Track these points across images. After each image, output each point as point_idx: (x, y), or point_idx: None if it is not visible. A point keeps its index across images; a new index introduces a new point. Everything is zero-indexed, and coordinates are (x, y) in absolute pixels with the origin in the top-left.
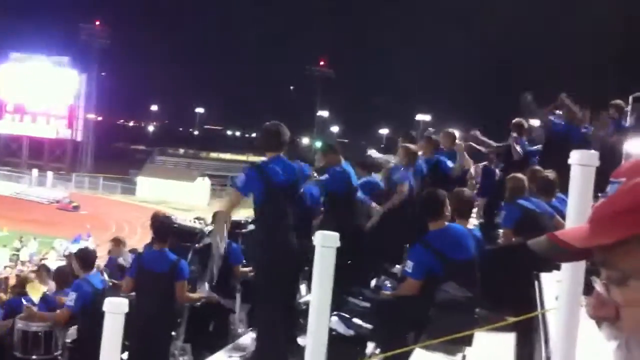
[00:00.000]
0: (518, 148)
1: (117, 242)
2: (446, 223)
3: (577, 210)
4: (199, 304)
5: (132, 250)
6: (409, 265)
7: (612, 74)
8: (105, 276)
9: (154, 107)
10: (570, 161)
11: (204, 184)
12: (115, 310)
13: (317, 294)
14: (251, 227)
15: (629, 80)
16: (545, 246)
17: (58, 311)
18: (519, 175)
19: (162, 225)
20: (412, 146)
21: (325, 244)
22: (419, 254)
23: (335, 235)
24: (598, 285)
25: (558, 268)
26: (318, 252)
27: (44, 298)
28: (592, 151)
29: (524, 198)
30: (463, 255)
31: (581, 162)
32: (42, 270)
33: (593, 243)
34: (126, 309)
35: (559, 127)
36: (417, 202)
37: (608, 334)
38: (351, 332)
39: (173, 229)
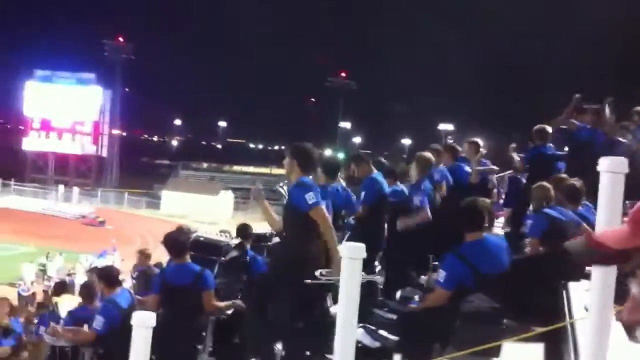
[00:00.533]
0: (515, 157)
1: (143, 254)
2: (483, 234)
3: (606, 218)
4: (224, 316)
5: (157, 264)
6: (441, 274)
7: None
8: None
9: (178, 122)
10: (599, 168)
11: (227, 197)
12: (143, 324)
13: (344, 306)
14: (276, 239)
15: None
16: (582, 248)
17: (85, 331)
18: (545, 183)
19: (174, 242)
20: (425, 154)
21: (352, 255)
22: (452, 264)
23: (362, 246)
24: (634, 287)
25: (586, 277)
26: (345, 263)
27: (70, 313)
28: (621, 158)
29: (551, 207)
30: (496, 269)
31: (610, 169)
32: (59, 287)
33: (630, 244)
34: (154, 323)
35: (585, 132)
36: (456, 211)
37: None
38: (377, 344)
39: (187, 242)
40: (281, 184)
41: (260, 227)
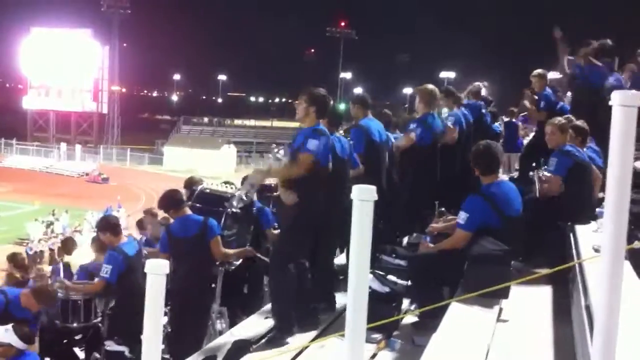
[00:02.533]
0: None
1: (150, 213)
2: (499, 178)
3: (619, 154)
4: (232, 267)
5: (165, 219)
6: (462, 216)
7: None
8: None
9: (177, 77)
10: (611, 102)
11: (229, 152)
12: (157, 271)
13: (356, 249)
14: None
15: None
16: None
17: (95, 281)
18: (565, 121)
19: (169, 199)
20: (428, 86)
21: (363, 197)
22: (476, 205)
23: (372, 188)
24: None
25: (594, 219)
26: (356, 205)
27: (82, 267)
28: (634, 91)
29: (570, 145)
30: (514, 211)
31: (623, 103)
32: (68, 243)
33: None
34: (167, 270)
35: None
36: (471, 155)
37: None
38: (386, 289)
39: (182, 196)
40: (276, 150)
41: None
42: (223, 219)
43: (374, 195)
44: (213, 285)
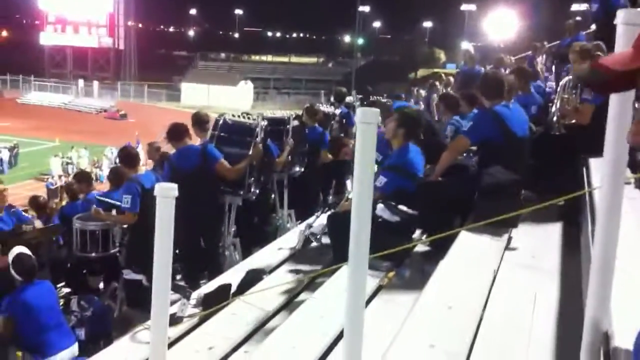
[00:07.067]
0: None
1: (152, 147)
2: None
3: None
4: (254, 197)
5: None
6: (466, 125)
7: None
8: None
9: (193, 11)
10: (615, 21)
11: (246, 88)
12: (165, 194)
13: (360, 171)
14: (295, 122)
15: None
16: (589, 74)
17: (119, 215)
18: None
19: (171, 131)
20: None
21: (365, 120)
22: (482, 118)
23: (376, 110)
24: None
25: None
26: (359, 128)
27: (100, 199)
28: (638, 9)
29: None
30: (521, 132)
31: (627, 22)
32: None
33: (632, 66)
34: (176, 193)
35: None
36: (478, 84)
37: None
38: (397, 218)
39: (186, 126)
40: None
41: (280, 113)
42: (251, 149)
43: (377, 117)
44: (227, 217)
